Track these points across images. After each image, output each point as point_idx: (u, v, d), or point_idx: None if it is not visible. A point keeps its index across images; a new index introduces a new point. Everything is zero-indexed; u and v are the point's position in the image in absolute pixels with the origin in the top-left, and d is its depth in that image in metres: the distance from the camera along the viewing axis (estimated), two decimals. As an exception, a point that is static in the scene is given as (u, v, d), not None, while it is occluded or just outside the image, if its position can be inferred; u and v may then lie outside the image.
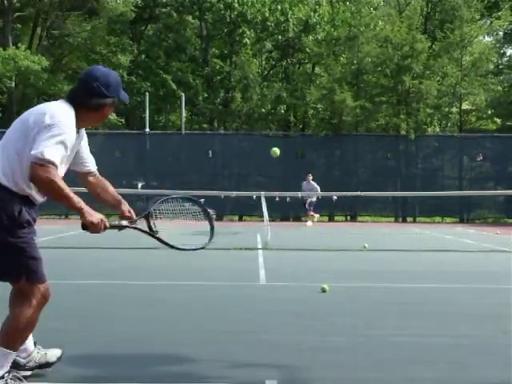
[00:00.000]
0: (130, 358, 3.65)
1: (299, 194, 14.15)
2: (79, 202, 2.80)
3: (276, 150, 5.80)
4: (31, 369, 3.17)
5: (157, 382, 3.21)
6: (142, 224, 3.19)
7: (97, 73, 2.99)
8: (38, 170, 2.70)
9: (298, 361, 3.59)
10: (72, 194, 2.78)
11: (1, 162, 2.84)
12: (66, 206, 2.83)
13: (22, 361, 3.13)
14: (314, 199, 18.24)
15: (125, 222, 3.12)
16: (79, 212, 2.82)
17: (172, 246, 3.25)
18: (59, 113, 2.84)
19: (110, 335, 4.22)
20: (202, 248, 3.31)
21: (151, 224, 3.20)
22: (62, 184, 2.75)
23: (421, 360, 3.65)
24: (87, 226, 2.87)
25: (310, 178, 18.73)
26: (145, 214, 3.19)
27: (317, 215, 19.33)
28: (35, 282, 2.92)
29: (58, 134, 2.76)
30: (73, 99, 2.96)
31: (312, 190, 18.15)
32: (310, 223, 18.34)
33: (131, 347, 3.90)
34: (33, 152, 2.71)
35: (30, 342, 3.18)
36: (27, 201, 2.89)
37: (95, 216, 2.84)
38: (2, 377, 2.80)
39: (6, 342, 2.86)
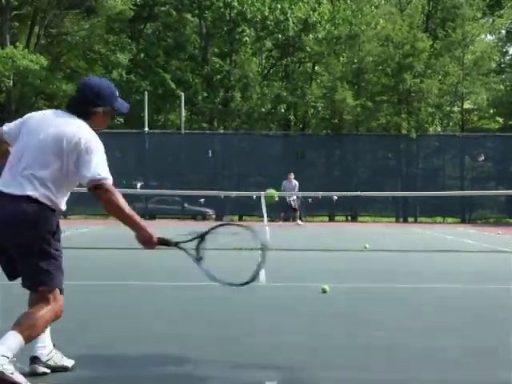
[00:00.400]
0: (130, 358, 3.64)
1: (299, 194, 14.11)
2: (139, 220, 3.04)
3: (273, 194, 5.50)
4: (49, 367, 3.23)
5: (157, 382, 3.19)
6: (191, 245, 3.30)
7: (90, 82, 3.19)
8: (103, 194, 2.97)
9: (297, 361, 3.57)
10: (132, 212, 3.02)
11: (35, 182, 2.98)
12: (125, 223, 3.03)
13: (45, 357, 3.22)
14: (295, 197, 18.11)
15: (174, 241, 3.25)
16: (139, 229, 3.02)
17: (217, 280, 3.51)
18: (90, 132, 3.09)
19: (110, 335, 4.21)
20: (247, 283, 3.48)
21: (199, 249, 3.39)
22: (124, 204, 3.00)
23: (421, 360, 3.64)
24: (145, 243, 3.03)
25: (292, 176, 18.56)
26: (199, 235, 3.34)
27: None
28: (60, 292, 3.11)
29: (99, 150, 3.05)
30: (72, 109, 3.15)
31: (293, 189, 18.02)
32: (300, 222, 18.09)
33: (131, 347, 3.88)
34: (89, 175, 2.96)
35: (49, 341, 3.27)
36: (58, 215, 3.11)
37: (153, 233, 3.05)
38: (7, 357, 2.89)
39: (26, 335, 2.97)
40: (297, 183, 18.53)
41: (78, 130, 3.05)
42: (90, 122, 3.14)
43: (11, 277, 3.16)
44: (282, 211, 18.63)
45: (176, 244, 3.23)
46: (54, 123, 3.06)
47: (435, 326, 4.62)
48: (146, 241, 3.04)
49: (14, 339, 2.92)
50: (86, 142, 3.00)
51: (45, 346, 3.24)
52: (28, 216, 2.92)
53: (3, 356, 2.83)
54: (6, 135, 3.16)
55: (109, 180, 2.99)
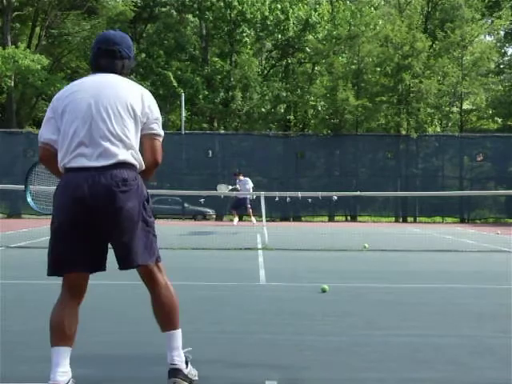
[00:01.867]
0: (130, 358, 3.65)
1: (299, 194, 14.08)
2: None
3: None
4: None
5: (157, 382, 3.20)
6: None
7: (106, 37, 3.03)
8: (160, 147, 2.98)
9: (297, 361, 3.58)
10: None
11: (122, 146, 2.85)
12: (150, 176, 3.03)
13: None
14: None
15: None
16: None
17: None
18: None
19: (110, 335, 4.22)
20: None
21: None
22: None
23: (421, 360, 3.65)
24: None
25: (240, 175, 18.18)
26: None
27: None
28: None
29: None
30: (111, 70, 3.00)
31: (246, 187, 17.67)
32: (254, 221, 17.54)
33: (131, 347, 3.89)
34: (159, 130, 2.98)
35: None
36: None
37: None
38: (188, 359, 2.99)
39: (178, 323, 3.01)
40: (248, 180, 17.93)
41: (145, 93, 3.04)
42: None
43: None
44: (232, 208, 18.42)
45: None
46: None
47: (435, 325, 4.63)
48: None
49: (179, 337, 2.99)
50: (154, 104, 3.08)
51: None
52: None
53: (187, 362, 2.96)
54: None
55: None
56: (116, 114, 2.86)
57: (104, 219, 2.78)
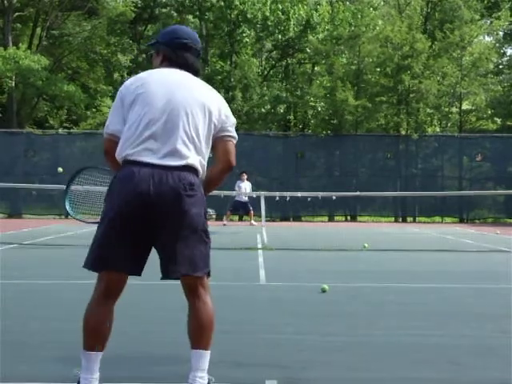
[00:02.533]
0: (130, 358, 3.65)
1: (299, 194, 14.09)
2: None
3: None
4: None
5: (157, 382, 3.21)
6: None
7: (191, 34, 2.93)
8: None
9: (297, 361, 3.59)
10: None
11: (193, 149, 2.72)
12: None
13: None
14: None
15: None
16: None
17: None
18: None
19: (110, 335, 4.21)
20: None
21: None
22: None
23: (421, 360, 3.65)
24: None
25: (245, 177, 18.06)
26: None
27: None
28: None
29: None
30: (192, 69, 2.89)
31: (247, 190, 17.52)
32: (254, 222, 17.49)
33: (131, 347, 3.89)
34: (234, 133, 2.88)
35: None
36: None
37: None
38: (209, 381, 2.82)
39: (208, 344, 2.87)
40: (250, 184, 17.91)
41: (220, 99, 2.95)
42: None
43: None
44: (229, 209, 18.35)
45: None
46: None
47: (435, 325, 4.63)
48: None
49: (207, 359, 2.82)
50: (229, 111, 2.97)
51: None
52: None
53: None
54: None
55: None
56: (193, 115, 2.73)
57: (164, 221, 2.63)
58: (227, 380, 3.24)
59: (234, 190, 17.31)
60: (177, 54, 2.84)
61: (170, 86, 2.75)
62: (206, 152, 2.80)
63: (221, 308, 5.28)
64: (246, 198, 17.30)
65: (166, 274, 2.78)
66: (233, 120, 2.90)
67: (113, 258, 2.66)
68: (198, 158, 2.73)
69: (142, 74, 2.84)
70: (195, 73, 2.88)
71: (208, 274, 2.89)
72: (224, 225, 17.43)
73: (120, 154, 2.70)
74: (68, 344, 3.80)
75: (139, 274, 2.81)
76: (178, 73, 2.82)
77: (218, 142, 2.83)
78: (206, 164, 2.80)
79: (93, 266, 2.71)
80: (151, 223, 2.63)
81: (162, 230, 2.66)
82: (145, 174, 2.60)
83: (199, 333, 2.82)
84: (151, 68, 2.97)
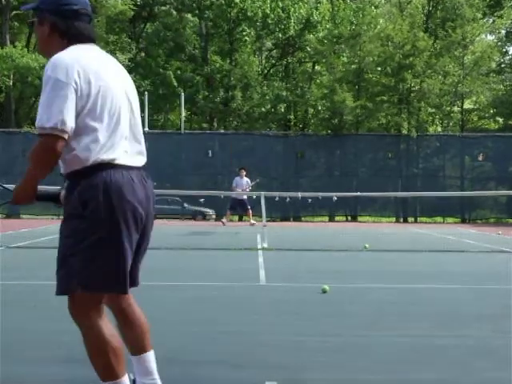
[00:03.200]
0: (128, 358, 3.63)
1: (299, 194, 14.06)
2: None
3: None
4: None
5: (156, 383, 3.19)
6: None
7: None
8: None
9: (297, 361, 3.57)
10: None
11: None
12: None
13: None
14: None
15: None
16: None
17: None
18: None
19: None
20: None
21: None
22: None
23: (421, 360, 3.64)
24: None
25: (244, 173, 17.84)
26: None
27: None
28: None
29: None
30: (94, 41, 2.52)
31: (245, 186, 17.34)
32: (253, 221, 17.33)
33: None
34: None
35: None
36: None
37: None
38: None
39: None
40: (249, 181, 17.70)
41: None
42: None
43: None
44: (228, 208, 18.26)
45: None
46: None
47: (435, 325, 4.62)
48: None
49: (153, 360, 2.65)
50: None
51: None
52: None
53: None
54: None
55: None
56: (137, 105, 2.54)
57: (149, 228, 2.53)
58: (227, 380, 3.23)
59: (232, 191, 17.26)
60: (68, 25, 2.39)
61: (117, 74, 2.45)
62: None
63: (221, 308, 5.28)
64: (245, 196, 17.10)
65: (133, 283, 2.56)
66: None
67: (128, 277, 2.47)
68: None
69: (79, 57, 2.34)
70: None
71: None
72: (223, 224, 17.38)
73: (94, 155, 2.32)
74: (68, 345, 3.78)
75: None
76: (104, 54, 2.48)
77: None
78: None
79: (124, 288, 2.47)
80: (140, 231, 2.48)
81: (143, 237, 2.52)
82: (133, 178, 2.40)
83: (144, 336, 2.65)
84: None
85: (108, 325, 2.45)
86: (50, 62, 2.36)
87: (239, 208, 17.75)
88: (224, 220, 17.87)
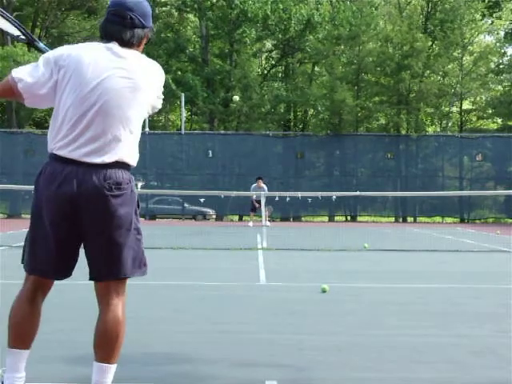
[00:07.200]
0: (130, 358, 3.64)
1: (299, 194, 14.08)
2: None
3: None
4: None
5: (157, 382, 3.21)
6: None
7: (130, 2, 2.63)
8: None
9: (298, 361, 3.59)
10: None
11: (123, 141, 2.53)
12: None
13: None
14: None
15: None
16: None
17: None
18: None
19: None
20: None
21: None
22: None
23: (421, 360, 3.65)
24: None
25: (261, 182, 17.91)
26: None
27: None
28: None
29: None
30: (119, 40, 2.61)
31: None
32: (268, 223, 17.45)
33: (131, 347, 3.88)
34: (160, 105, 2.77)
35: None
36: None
37: None
38: None
39: (117, 358, 2.67)
40: (266, 188, 17.88)
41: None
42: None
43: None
44: (250, 211, 18.35)
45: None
46: None
47: (435, 325, 4.63)
48: None
49: (113, 372, 2.58)
50: None
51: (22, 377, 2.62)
52: None
53: None
54: None
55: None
56: (121, 98, 2.48)
57: (90, 224, 2.48)
58: (227, 380, 3.24)
59: (232, 191, 17.31)
60: (103, 27, 2.65)
61: (100, 65, 2.52)
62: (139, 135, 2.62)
63: (221, 308, 5.29)
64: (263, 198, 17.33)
65: (99, 276, 2.59)
66: (159, 92, 2.68)
67: (46, 268, 2.57)
68: (128, 150, 2.52)
69: (77, 47, 2.64)
70: (126, 43, 2.57)
71: (144, 273, 2.75)
72: (249, 225, 17.41)
73: (48, 145, 2.55)
74: (68, 343, 3.79)
75: (67, 276, 2.67)
76: (108, 48, 2.57)
77: None
78: (137, 150, 2.61)
79: (25, 268, 2.66)
80: (78, 225, 2.50)
81: (90, 233, 2.51)
82: (68, 171, 2.45)
83: (105, 344, 2.58)
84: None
85: (23, 304, 2.64)
86: None
87: (258, 209, 17.93)
88: (249, 223, 17.87)
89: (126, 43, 2.58)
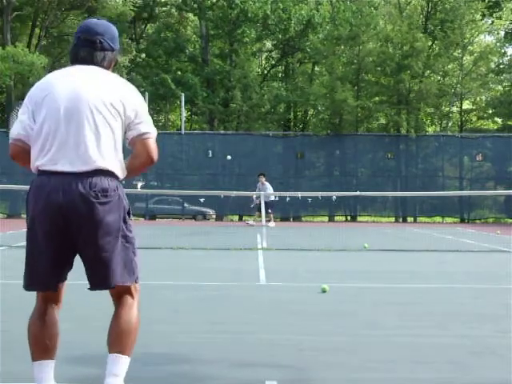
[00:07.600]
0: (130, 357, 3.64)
1: (299, 194, 14.08)
2: None
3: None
4: None
5: (156, 382, 3.21)
6: None
7: (89, 25, 2.78)
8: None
9: (298, 361, 3.59)
10: None
11: (107, 152, 2.60)
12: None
13: None
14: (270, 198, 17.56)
15: None
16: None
17: None
18: None
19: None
20: None
21: None
22: None
23: (421, 360, 3.65)
24: None
25: (263, 179, 18.01)
26: None
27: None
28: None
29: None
30: (93, 62, 2.73)
31: (267, 191, 17.45)
32: (273, 223, 17.55)
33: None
34: (149, 128, 2.70)
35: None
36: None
37: None
38: None
39: (127, 349, 2.74)
40: (268, 185, 17.94)
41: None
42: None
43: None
44: (257, 211, 18.34)
45: None
46: None
47: (435, 325, 4.63)
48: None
49: (123, 366, 2.69)
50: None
51: None
52: None
53: None
54: None
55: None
56: (97, 113, 2.58)
57: (79, 232, 2.55)
58: (227, 380, 3.24)
59: (232, 191, 17.32)
60: (74, 52, 2.77)
61: (72, 85, 2.63)
62: (120, 151, 2.67)
63: (221, 308, 5.29)
64: (272, 197, 17.35)
65: (93, 285, 2.67)
66: (144, 117, 2.69)
67: (44, 282, 2.63)
68: (110, 159, 2.60)
69: (51, 74, 2.76)
70: (99, 65, 2.71)
71: (136, 280, 2.73)
72: (250, 225, 17.48)
73: (33, 163, 2.63)
74: (68, 344, 3.79)
75: (63, 282, 2.75)
76: (80, 70, 2.69)
77: (134, 141, 2.68)
78: (123, 161, 2.69)
79: (24, 287, 2.71)
80: (70, 235, 2.56)
81: (80, 241, 2.57)
82: (54, 183, 2.54)
83: (116, 336, 2.69)
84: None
85: (38, 317, 2.68)
86: None
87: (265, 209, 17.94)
88: (253, 222, 17.88)
89: (97, 66, 2.72)
